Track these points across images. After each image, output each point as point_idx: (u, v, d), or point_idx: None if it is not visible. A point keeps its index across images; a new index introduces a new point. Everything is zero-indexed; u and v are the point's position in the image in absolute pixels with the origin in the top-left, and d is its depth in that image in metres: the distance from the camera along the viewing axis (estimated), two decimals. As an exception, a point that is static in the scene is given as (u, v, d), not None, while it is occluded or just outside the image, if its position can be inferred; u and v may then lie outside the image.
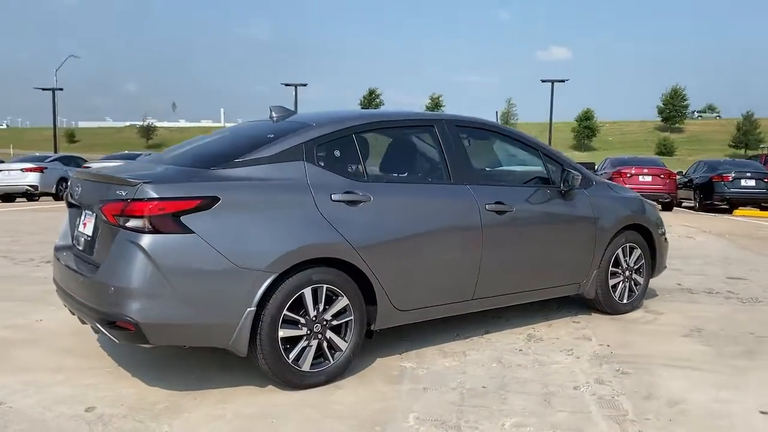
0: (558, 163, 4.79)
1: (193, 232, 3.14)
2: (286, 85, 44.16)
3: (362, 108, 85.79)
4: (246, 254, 3.24)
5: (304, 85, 44.85)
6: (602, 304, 5.05)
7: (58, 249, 3.97)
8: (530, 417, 3.16)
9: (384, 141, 4.27)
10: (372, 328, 3.79)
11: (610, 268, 4.99)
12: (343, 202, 3.58)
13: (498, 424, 3.07)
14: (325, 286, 3.51)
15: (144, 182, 3.18)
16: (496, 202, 4.21)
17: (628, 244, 5.11)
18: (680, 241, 9.97)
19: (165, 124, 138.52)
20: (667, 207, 17.25)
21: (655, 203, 5.86)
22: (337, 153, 3.77)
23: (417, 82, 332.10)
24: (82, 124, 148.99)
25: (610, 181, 5.76)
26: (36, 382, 3.54)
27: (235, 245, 3.23)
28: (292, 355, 3.43)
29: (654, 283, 5.87)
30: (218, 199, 3.23)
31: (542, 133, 41.30)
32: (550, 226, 4.59)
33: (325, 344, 3.54)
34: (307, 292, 3.45)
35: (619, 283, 5.11)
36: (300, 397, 3.39)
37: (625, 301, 5.16)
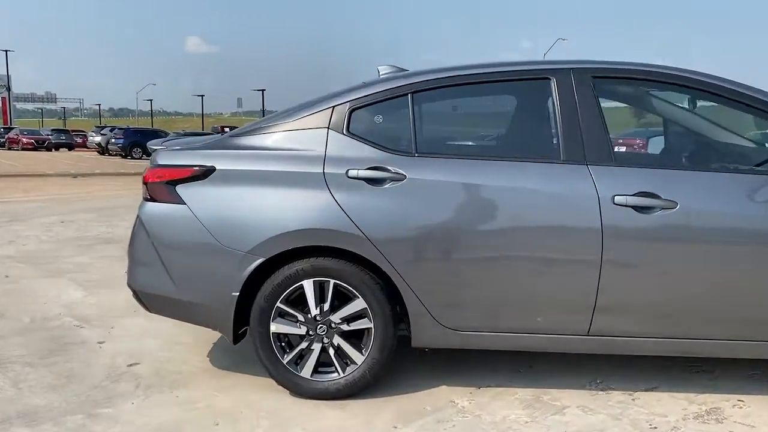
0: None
1: (184, 203, 2.96)
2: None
3: None
4: (232, 233, 2.89)
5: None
6: None
7: None
8: None
9: (464, 104, 3.20)
10: (413, 345, 2.95)
11: None
12: (363, 179, 2.83)
13: None
14: (332, 281, 2.87)
15: (158, 149, 3.15)
16: (640, 193, 2.71)
17: None
18: None
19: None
20: None
21: None
22: (378, 119, 3.00)
23: None
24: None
25: None
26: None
27: (222, 221, 2.91)
28: (290, 356, 2.94)
29: None
30: (213, 170, 2.95)
31: None
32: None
33: (331, 351, 2.92)
34: (308, 285, 2.88)
35: None
36: (280, 403, 2.89)
37: None
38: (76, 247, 6.67)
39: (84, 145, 43.87)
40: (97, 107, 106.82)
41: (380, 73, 3.38)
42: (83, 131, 50.72)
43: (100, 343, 3.72)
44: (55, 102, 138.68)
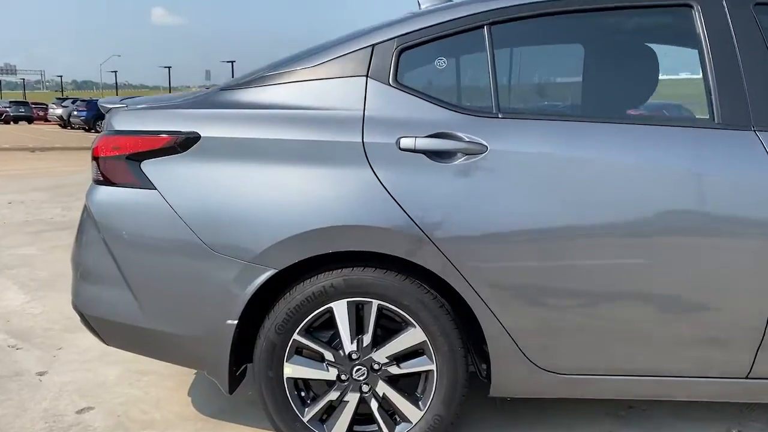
0: None
1: (154, 187, 2.00)
2: None
3: None
4: (226, 232, 1.94)
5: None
6: None
7: None
8: None
9: (566, 43, 2.27)
10: (491, 394, 2.05)
11: None
12: (423, 152, 1.90)
13: None
14: (375, 302, 1.95)
15: (114, 108, 2.17)
16: (834, 173, 1.84)
17: None
18: None
19: None
20: None
21: None
22: (441, 63, 2.06)
23: None
24: None
25: None
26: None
27: (210, 215, 1.96)
28: (313, 411, 2.02)
29: None
30: (197, 138, 1.99)
31: None
32: None
33: (374, 404, 2.01)
34: (340, 309, 1.95)
35: None
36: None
37: None
38: (23, 235, 5.61)
39: (45, 119, 41.75)
40: (59, 79, 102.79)
41: (421, 7, 2.42)
42: (44, 104, 48.33)
43: (40, 374, 2.76)
44: (15, 74, 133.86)
